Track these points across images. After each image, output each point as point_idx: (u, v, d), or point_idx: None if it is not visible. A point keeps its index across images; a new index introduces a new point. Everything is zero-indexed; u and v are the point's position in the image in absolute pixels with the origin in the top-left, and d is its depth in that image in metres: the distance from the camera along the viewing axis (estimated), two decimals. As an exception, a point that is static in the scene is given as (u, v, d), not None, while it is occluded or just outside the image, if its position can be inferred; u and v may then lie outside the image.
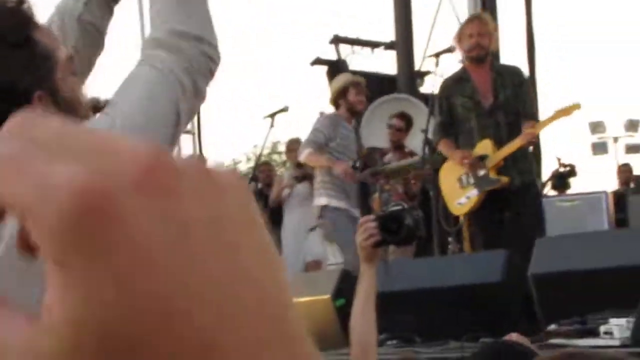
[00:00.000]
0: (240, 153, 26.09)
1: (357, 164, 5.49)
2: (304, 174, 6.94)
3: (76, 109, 1.25)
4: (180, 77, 1.28)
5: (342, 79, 5.91)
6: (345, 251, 5.33)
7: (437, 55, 5.63)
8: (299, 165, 7.08)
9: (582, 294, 3.54)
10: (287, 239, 6.99)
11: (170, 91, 1.26)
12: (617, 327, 3.09)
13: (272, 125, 6.84)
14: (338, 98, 5.62)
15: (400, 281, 4.17)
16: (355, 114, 5.76)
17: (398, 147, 6.28)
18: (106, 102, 1.34)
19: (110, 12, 1.59)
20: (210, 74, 1.34)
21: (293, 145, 7.50)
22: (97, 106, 1.32)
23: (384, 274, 3.95)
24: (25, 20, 1.21)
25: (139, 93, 1.25)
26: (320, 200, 5.49)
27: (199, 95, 1.33)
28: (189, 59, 1.29)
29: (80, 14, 1.52)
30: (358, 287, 2.24)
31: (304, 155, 5.61)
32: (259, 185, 7.52)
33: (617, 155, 14.54)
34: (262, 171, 7.85)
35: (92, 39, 1.54)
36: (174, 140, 1.31)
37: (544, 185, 7.47)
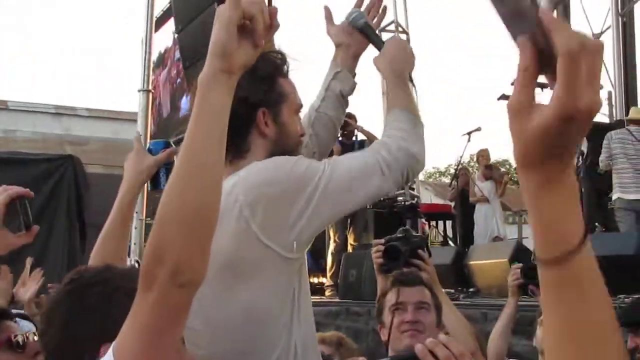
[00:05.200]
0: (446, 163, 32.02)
1: None
2: (489, 175, 9.35)
3: (288, 135, 1.63)
4: (383, 167, 1.57)
5: None
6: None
7: None
8: (486, 167, 9.42)
9: None
10: (478, 221, 9.16)
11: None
12: None
13: (469, 140, 8.72)
14: None
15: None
16: None
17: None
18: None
19: (343, 106, 1.89)
20: (407, 178, 1.61)
21: (481, 153, 9.78)
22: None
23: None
24: (275, 67, 1.63)
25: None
26: None
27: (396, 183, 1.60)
28: (401, 168, 1.59)
29: (318, 107, 1.87)
30: (504, 310, 2.40)
31: None
32: (459, 184, 9.55)
33: None
34: (462, 175, 9.79)
35: (325, 125, 1.89)
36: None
37: None
